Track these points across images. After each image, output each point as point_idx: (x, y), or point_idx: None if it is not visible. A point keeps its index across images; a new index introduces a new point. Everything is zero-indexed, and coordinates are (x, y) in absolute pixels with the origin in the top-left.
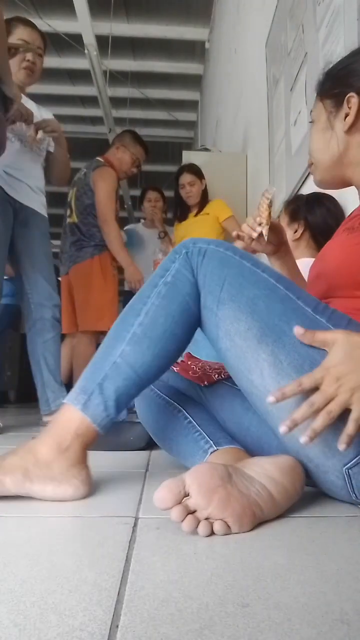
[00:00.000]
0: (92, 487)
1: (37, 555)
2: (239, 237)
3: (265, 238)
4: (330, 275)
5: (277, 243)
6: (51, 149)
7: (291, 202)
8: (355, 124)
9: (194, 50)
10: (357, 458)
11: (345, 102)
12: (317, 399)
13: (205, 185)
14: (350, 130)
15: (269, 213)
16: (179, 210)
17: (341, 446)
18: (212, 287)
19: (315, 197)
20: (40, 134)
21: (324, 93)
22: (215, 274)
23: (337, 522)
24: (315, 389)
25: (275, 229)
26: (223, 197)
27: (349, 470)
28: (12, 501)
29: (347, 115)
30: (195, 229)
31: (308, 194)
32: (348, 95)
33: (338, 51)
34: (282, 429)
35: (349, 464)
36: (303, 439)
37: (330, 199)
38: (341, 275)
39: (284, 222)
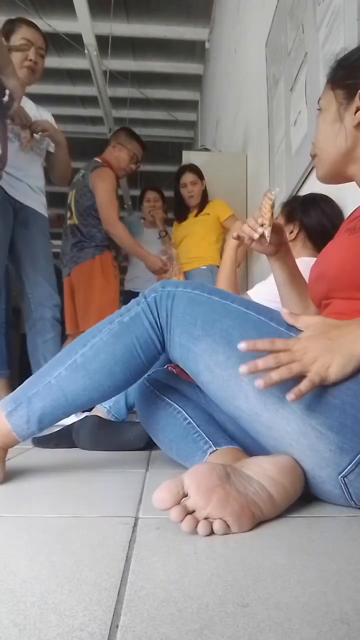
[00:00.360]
0: (5, 479)
1: (37, 555)
2: (238, 237)
3: (268, 239)
4: (331, 276)
5: (277, 244)
6: (51, 149)
7: (287, 203)
8: None
9: (194, 50)
10: (350, 465)
11: (357, 95)
12: (284, 356)
13: (205, 186)
14: (358, 125)
15: (272, 214)
16: (178, 210)
17: (289, 396)
18: (186, 326)
19: (311, 199)
20: (35, 136)
21: (337, 82)
22: (187, 314)
23: (337, 522)
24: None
25: (276, 230)
26: (223, 197)
27: (345, 479)
28: (12, 501)
29: (358, 109)
30: (195, 229)
31: (304, 195)
32: None
33: (338, 51)
34: (242, 368)
35: (344, 472)
36: (257, 382)
37: (327, 200)
38: (342, 276)
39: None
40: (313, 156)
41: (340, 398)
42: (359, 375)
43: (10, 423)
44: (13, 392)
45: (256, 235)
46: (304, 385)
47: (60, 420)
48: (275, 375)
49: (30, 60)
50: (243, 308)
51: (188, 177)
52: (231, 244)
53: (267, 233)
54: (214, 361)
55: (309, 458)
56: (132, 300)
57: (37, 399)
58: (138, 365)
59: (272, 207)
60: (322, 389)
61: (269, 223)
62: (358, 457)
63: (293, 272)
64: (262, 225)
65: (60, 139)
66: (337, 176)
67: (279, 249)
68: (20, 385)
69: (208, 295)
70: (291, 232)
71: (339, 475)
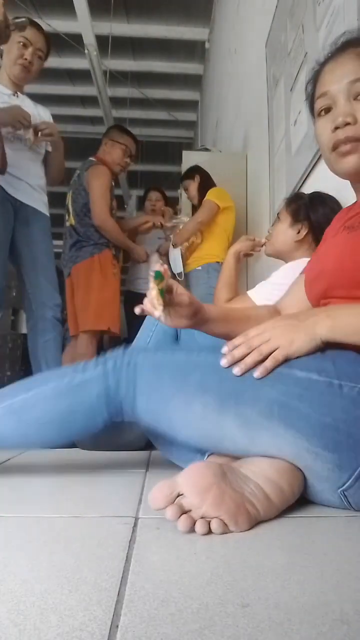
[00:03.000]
0: None
1: (37, 555)
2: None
3: (164, 321)
4: (330, 274)
5: (190, 316)
6: (49, 149)
7: (292, 200)
8: None
9: (194, 50)
10: (349, 481)
11: None
12: (255, 340)
13: (201, 179)
14: None
15: (161, 296)
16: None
17: (255, 373)
18: (153, 391)
19: (319, 197)
20: (38, 135)
21: None
22: (152, 380)
23: (337, 522)
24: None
25: (180, 305)
26: None
27: (344, 492)
28: (12, 501)
29: None
30: None
31: (310, 193)
32: None
33: None
34: (223, 361)
35: (343, 487)
36: (235, 370)
37: (333, 199)
38: (341, 274)
39: (285, 222)
40: (354, 139)
41: (332, 416)
42: (344, 390)
43: None
44: None
45: (156, 315)
46: (269, 362)
47: None
48: (248, 359)
49: (25, 59)
50: (212, 356)
51: (183, 186)
52: (232, 251)
53: (162, 318)
54: (191, 414)
55: (306, 474)
56: (92, 361)
57: None
58: (72, 431)
59: (161, 289)
60: (312, 409)
61: (160, 304)
62: (356, 473)
63: (225, 328)
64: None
65: (59, 142)
66: None
67: (194, 319)
68: None
69: (172, 356)
70: (299, 231)
71: (338, 489)
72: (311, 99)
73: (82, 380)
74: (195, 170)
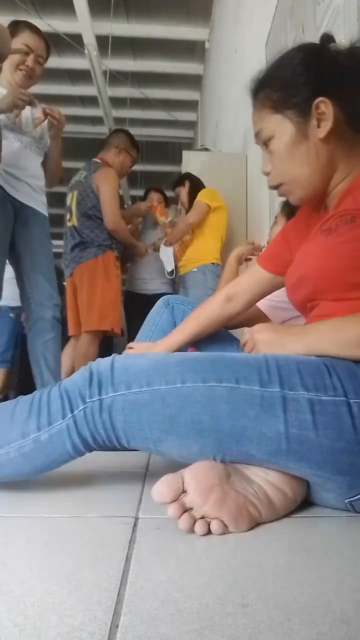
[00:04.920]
0: None
1: (37, 555)
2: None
3: None
4: (315, 279)
5: None
6: (49, 137)
7: (287, 202)
8: (332, 129)
9: (194, 50)
10: (358, 496)
11: (313, 108)
12: (248, 346)
13: (190, 184)
14: (326, 136)
15: None
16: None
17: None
18: (137, 435)
19: None
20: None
21: (281, 104)
22: (133, 422)
23: (337, 522)
24: None
25: None
26: (223, 197)
27: (352, 503)
28: (12, 501)
29: (319, 121)
30: None
31: None
32: (317, 101)
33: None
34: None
35: (352, 499)
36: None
37: None
38: (326, 278)
39: (282, 224)
40: (277, 186)
41: (344, 439)
42: (353, 409)
43: None
44: None
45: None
46: (247, 350)
47: None
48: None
49: (27, 66)
50: (201, 384)
51: (176, 194)
52: (234, 254)
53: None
54: (187, 452)
55: (312, 485)
56: (56, 407)
57: None
58: (52, 469)
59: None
60: (325, 437)
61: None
62: None
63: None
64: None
65: (61, 132)
66: (318, 194)
67: None
68: None
69: (150, 388)
70: None
71: (345, 500)
72: None
73: (50, 436)
74: (184, 176)
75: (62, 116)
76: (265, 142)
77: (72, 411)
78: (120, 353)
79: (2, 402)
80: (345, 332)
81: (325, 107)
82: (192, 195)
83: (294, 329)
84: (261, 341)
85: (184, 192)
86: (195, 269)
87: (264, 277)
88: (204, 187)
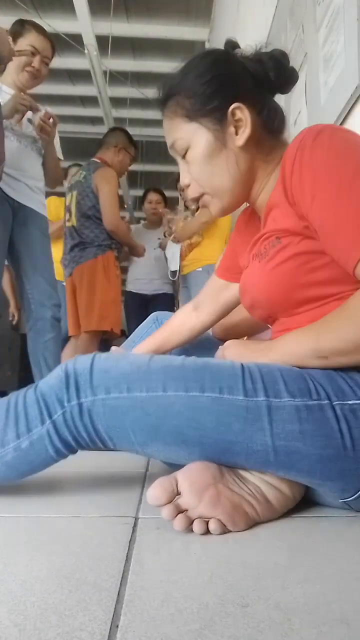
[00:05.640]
0: None
1: (37, 555)
2: None
3: None
4: (265, 305)
5: None
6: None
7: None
8: (251, 135)
9: (194, 50)
10: (354, 497)
11: (229, 114)
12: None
13: None
14: (245, 144)
15: None
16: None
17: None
18: (122, 438)
19: None
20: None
21: (194, 113)
22: (115, 427)
23: (337, 522)
24: None
25: None
26: None
27: (348, 503)
28: (12, 501)
29: (236, 128)
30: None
31: None
32: (233, 107)
33: (338, 51)
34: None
35: (347, 500)
36: None
37: None
38: (274, 302)
39: None
40: (197, 198)
41: (332, 446)
42: (337, 411)
43: None
44: None
45: None
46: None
47: None
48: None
49: (33, 67)
50: (182, 392)
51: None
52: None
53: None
54: (175, 457)
55: (310, 487)
56: (35, 414)
57: None
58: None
59: None
60: (312, 445)
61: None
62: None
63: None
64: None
65: (52, 146)
66: (240, 203)
67: None
68: None
69: (130, 394)
70: None
71: (341, 500)
72: None
73: (31, 442)
74: None
75: (54, 129)
76: (181, 154)
77: (50, 416)
78: None
79: None
80: (300, 346)
81: (241, 113)
82: None
83: (260, 345)
84: (231, 357)
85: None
86: (200, 269)
87: (222, 285)
88: None
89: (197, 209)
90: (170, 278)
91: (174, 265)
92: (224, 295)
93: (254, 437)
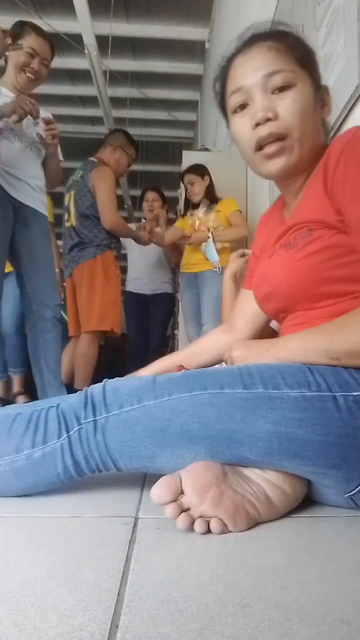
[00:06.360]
0: None
1: (37, 555)
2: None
3: None
4: (283, 295)
5: None
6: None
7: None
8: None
9: (194, 50)
10: (358, 489)
11: (323, 89)
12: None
13: (210, 182)
14: (323, 121)
15: None
16: (185, 207)
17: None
18: (131, 452)
19: None
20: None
21: (308, 65)
22: (127, 440)
23: (337, 522)
24: None
25: None
26: (223, 197)
27: (351, 497)
28: (12, 501)
29: (323, 102)
30: None
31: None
32: (326, 84)
33: (338, 51)
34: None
35: (351, 493)
36: None
37: None
38: (293, 294)
39: None
40: (281, 136)
41: (334, 433)
42: (339, 402)
43: None
44: None
45: None
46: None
47: None
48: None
49: (32, 68)
50: (186, 393)
51: (186, 179)
52: (229, 274)
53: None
54: (182, 463)
55: (313, 484)
56: (54, 423)
57: None
58: (37, 492)
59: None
60: (314, 432)
61: None
62: None
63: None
64: None
65: (56, 153)
66: (299, 169)
67: None
68: None
69: (140, 405)
70: None
71: (345, 494)
72: (221, 97)
73: (44, 454)
74: (205, 170)
75: (56, 139)
76: (280, 86)
77: (67, 431)
78: (129, 364)
79: (2, 409)
80: (311, 344)
81: (327, 94)
82: (208, 195)
83: (266, 344)
84: (236, 358)
85: (201, 185)
86: (215, 269)
87: (251, 296)
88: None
89: (197, 206)
90: (218, 271)
91: (214, 257)
92: (254, 306)
93: (256, 424)
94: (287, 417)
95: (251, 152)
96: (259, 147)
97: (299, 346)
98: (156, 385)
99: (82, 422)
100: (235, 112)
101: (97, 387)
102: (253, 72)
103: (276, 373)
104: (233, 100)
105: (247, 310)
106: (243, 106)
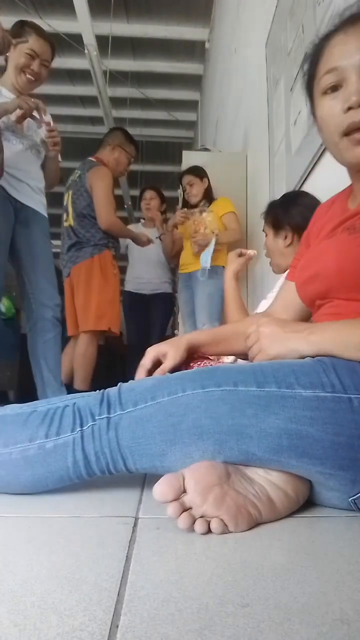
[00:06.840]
0: None
1: (37, 555)
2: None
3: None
4: (331, 277)
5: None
6: (50, 154)
7: (267, 212)
8: None
9: (194, 50)
10: None
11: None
12: (251, 338)
13: (208, 184)
14: None
15: None
16: (182, 208)
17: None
18: (143, 450)
19: (289, 198)
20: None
21: None
22: (138, 437)
23: (337, 522)
24: None
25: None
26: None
27: (356, 501)
28: (12, 501)
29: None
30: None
31: (280, 197)
32: None
33: None
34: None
35: (355, 497)
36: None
37: (304, 194)
38: (343, 277)
39: (270, 234)
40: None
41: (345, 434)
42: (354, 404)
43: None
44: None
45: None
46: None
47: None
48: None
49: (33, 70)
50: (200, 389)
51: (185, 180)
52: (229, 274)
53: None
54: (190, 460)
55: (315, 485)
56: (67, 419)
57: None
58: (44, 488)
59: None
60: (324, 432)
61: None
62: None
63: (217, 349)
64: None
65: (56, 153)
66: None
67: (190, 354)
68: None
69: (154, 402)
70: (285, 237)
71: (349, 498)
72: (310, 77)
73: (57, 445)
74: (205, 173)
75: (58, 146)
76: None
77: (81, 426)
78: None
79: (18, 406)
80: (350, 335)
81: None
82: (206, 197)
83: (300, 326)
84: (265, 334)
85: (200, 187)
86: (209, 268)
87: (294, 288)
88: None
89: (196, 206)
90: (205, 275)
91: (206, 262)
92: (297, 298)
93: (267, 420)
94: (298, 415)
95: (337, 137)
96: (348, 132)
97: (335, 336)
98: (170, 380)
99: (97, 418)
100: (325, 93)
101: (113, 388)
102: (352, 53)
103: (289, 373)
104: (325, 81)
105: (290, 301)
106: (335, 88)
